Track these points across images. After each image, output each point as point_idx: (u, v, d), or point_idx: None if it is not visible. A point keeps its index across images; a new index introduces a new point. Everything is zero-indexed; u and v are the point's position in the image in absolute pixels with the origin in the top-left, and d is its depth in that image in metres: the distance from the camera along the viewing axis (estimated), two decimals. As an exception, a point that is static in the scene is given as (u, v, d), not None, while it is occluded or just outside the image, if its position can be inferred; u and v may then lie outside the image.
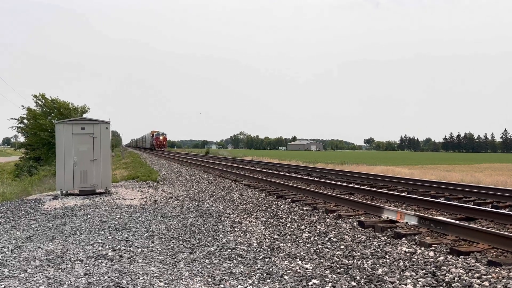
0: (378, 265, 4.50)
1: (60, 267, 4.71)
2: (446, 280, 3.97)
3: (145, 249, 5.44)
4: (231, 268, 4.62)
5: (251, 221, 7.17)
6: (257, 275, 4.42)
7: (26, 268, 4.69)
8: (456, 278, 3.98)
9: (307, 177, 13.47)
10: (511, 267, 4.17)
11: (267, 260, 4.92)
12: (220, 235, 6.15)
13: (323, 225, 6.47)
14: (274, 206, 8.41)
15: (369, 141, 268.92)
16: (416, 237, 5.42)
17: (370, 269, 4.40)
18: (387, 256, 4.75)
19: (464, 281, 3.89)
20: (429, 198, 8.30)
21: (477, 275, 4.03)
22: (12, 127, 36.35)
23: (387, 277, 4.20)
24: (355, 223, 6.42)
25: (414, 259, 4.57)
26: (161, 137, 68.62)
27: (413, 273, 4.22)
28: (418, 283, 3.96)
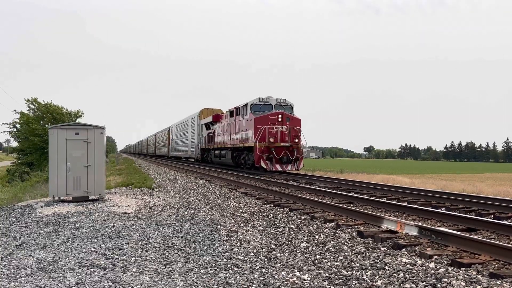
0: (377, 277, 4.41)
1: (52, 275, 4.60)
2: (449, 293, 3.88)
3: (139, 258, 5.32)
4: (227, 279, 4.52)
5: (248, 230, 7.06)
6: (253, 285, 4.32)
7: (17, 276, 4.57)
8: (459, 291, 3.89)
9: (305, 186, 13.37)
10: (514, 280, 4.08)
11: (264, 270, 4.81)
12: (216, 244, 6.04)
13: (321, 234, 6.38)
14: (271, 215, 8.31)
15: (369, 149, 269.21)
16: (416, 248, 5.34)
17: (369, 281, 4.32)
18: (386, 268, 4.67)
19: (467, 294, 3.79)
20: (429, 208, 8.23)
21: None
22: (4, 131, 36.11)
23: (387, 289, 4.11)
24: (354, 233, 6.33)
25: (414, 271, 4.50)
26: (286, 124, 19.12)
27: (413, 285, 4.14)
28: (420, 296, 3.87)
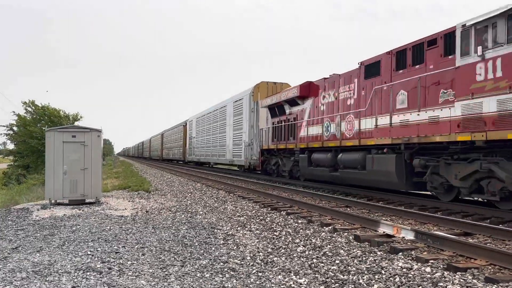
0: (374, 281, 4.42)
1: (47, 279, 4.58)
2: (445, 297, 3.88)
3: (135, 262, 5.30)
4: (223, 282, 4.51)
5: (245, 233, 7.05)
6: (250, 290, 4.31)
7: (12, 280, 4.55)
8: (455, 296, 3.88)
9: (302, 189, 13.38)
10: (509, 285, 4.11)
11: (260, 274, 4.80)
12: (213, 248, 6.03)
13: (318, 238, 6.38)
14: (268, 218, 8.31)
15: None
16: (412, 252, 5.35)
17: (365, 285, 4.32)
18: (383, 272, 4.67)
19: (463, 299, 3.78)
20: (426, 213, 8.24)
21: (475, 292, 3.95)
22: (1, 134, 36.07)
23: (384, 293, 4.11)
24: (351, 237, 6.34)
25: (411, 275, 4.50)
26: None
27: (409, 289, 4.14)
28: (416, 300, 3.88)
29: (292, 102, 15.92)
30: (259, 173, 20.33)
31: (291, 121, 16.11)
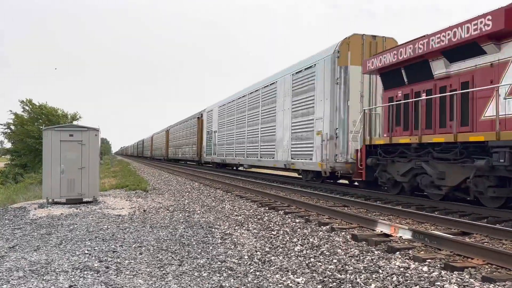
0: (371, 280, 4.42)
1: (44, 278, 4.57)
2: (442, 296, 3.89)
3: (132, 261, 5.30)
4: (221, 282, 4.51)
5: (243, 233, 7.05)
6: (248, 289, 4.31)
7: (9, 279, 4.54)
8: (452, 295, 3.88)
9: (300, 189, 13.39)
10: (506, 284, 4.13)
11: (258, 273, 4.80)
12: (210, 247, 6.03)
13: (315, 238, 6.39)
14: (266, 217, 8.31)
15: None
16: (410, 252, 5.36)
17: (363, 284, 4.33)
18: (380, 271, 4.68)
19: (460, 298, 3.78)
20: (423, 212, 8.26)
21: (472, 291, 3.96)
22: (-2, 132, 36.03)
23: (381, 292, 4.12)
24: (348, 237, 6.35)
25: (408, 274, 4.51)
26: None
27: (407, 288, 4.15)
28: (414, 300, 3.88)
29: (461, 51, 8.42)
30: (354, 185, 13.45)
31: (452, 89, 8.61)
